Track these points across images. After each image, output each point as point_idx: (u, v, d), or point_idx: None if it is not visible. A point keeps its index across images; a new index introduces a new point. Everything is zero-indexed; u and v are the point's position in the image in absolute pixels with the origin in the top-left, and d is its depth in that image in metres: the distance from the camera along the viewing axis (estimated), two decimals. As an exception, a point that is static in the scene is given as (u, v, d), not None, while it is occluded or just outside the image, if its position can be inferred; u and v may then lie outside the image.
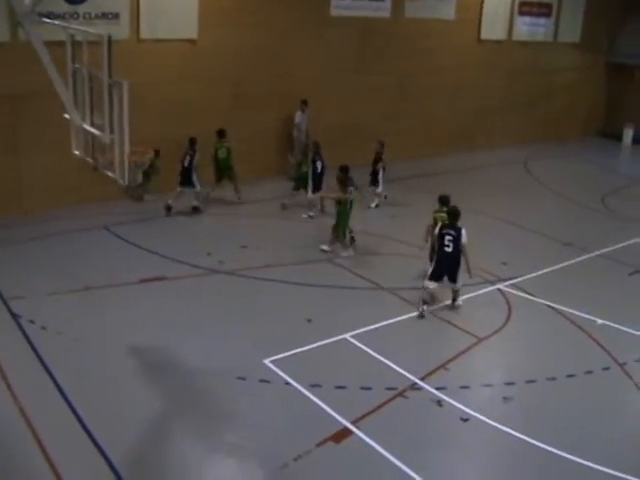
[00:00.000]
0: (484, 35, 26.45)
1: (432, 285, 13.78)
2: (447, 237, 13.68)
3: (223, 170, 18.92)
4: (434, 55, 24.65)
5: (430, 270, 13.87)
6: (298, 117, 21.65)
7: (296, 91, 21.36)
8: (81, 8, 17.31)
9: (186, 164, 18.06)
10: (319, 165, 18.39)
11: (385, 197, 19.86)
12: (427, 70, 24.58)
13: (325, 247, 16.22)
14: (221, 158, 18.78)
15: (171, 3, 18.70)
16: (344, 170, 16.16)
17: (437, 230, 13.86)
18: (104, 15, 17.68)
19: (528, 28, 28.23)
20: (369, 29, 22.85)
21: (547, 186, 21.45)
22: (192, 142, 18.11)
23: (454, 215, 13.87)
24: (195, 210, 18.40)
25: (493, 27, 26.67)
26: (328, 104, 22.14)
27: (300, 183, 18.86)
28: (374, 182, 19.84)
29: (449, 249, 13.66)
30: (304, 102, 21.47)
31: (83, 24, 16.06)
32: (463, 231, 13.68)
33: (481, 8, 26.10)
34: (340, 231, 16.07)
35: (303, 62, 21.41)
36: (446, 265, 13.70)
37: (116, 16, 17.90)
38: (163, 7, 18.55)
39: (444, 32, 24.85)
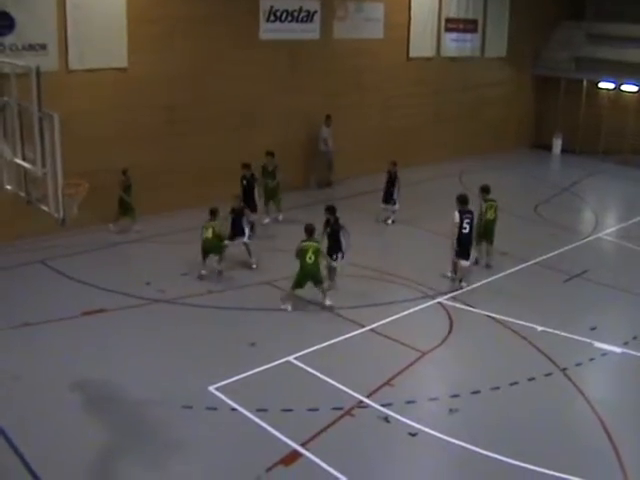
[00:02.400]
0: (413, 53, 26.81)
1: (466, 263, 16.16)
2: (466, 220, 16.06)
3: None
4: (364, 74, 24.91)
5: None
6: (324, 132, 23.37)
7: (229, 114, 21.39)
8: (7, 40, 17.11)
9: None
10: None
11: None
12: (357, 89, 24.81)
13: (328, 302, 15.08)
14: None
15: (99, 32, 18.51)
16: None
17: (457, 217, 16.03)
18: (31, 47, 17.46)
19: (455, 44, 28.72)
20: (299, 51, 22.99)
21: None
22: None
23: (465, 200, 16.30)
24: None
25: (421, 45, 27.06)
26: (260, 126, 22.18)
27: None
28: (389, 200, 20.21)
29: (466, 230, 16.10)
30: (328, 117, 23.28)
31: (10, 56, 15.82)
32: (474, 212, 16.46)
33: (409, 26, 26.47)
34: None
35: (235, 85, 21.40)
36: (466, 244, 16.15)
37: (44, 47, 17.70)
38: (91, 37, 18.37)
39: (373, 51, 25.13)
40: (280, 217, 20.01)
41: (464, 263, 16.27)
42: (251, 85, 21.86)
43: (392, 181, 20.34)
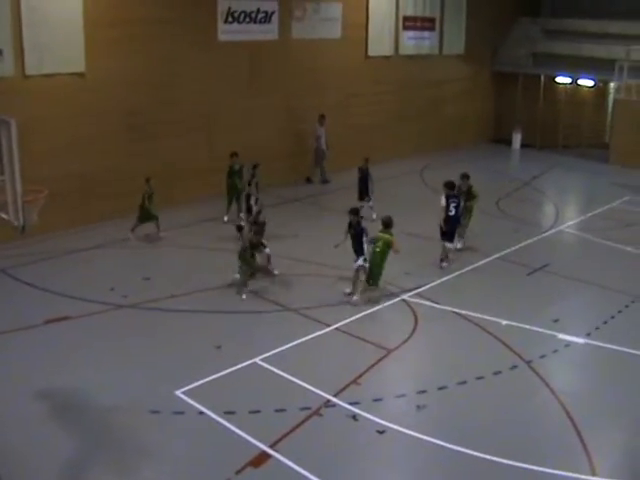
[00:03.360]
0: (371, 52, 26.91)
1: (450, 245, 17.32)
2: (452, 204, 17.15)
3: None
4: (322, 74, 24.95)
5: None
6: (319, 130, 24.35)
7: (190, 116, 21.33)
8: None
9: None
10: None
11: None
12: (317, 89, 24.84)
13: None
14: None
15: (55, 36, 18.27)
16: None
17: (444, 201, 17.08)
18: (-16, 53, 17.26)
19: (414, 42, 28.88)
20: (258, 52, 22.96)
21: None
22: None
23: (452, 185, 17.46)
24: None
25: (379, 43, 27.16)
26: (222, 128, 22.15)
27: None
28: (364, 197, 20.50)
29: (452, 213, 17.14)
30: (322, 116, 24.24)
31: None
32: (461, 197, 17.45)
33: (367, 26, 26.55)
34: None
35: (195, 87, 21.34)
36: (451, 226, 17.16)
37: (-1, 52, 17.49)
38: (47, 41, 18.10)
39: (332, 51, 25.19)
40: (242, 216, 19.85)
41: (448, 245, 17.22)
42: (211, 87, 21.79)
43: (365, 177, 20.49)
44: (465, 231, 18.65)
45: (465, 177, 18.60)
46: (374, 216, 19.66)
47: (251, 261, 15.84)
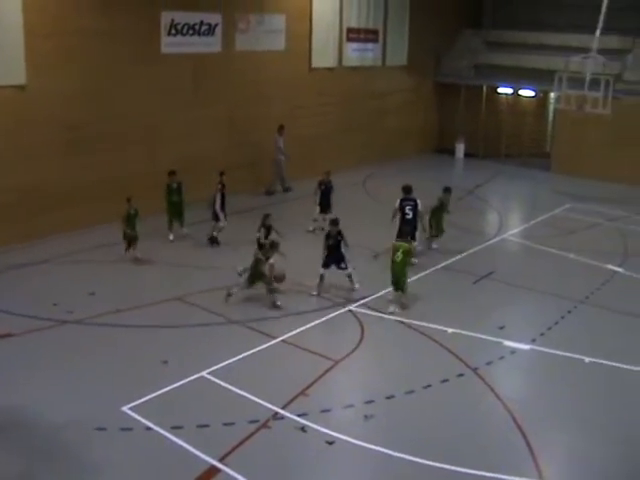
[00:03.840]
0: (315, 63, 27.00)
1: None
2: (407, 207, 17.76)
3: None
4: (266, 86, 24.94)
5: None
6: (279, 141, 24.63)
7: (133, 129, 21.11)
8: None
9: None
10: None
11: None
12: (261, 101, 24.83)
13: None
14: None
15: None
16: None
17: (398, 203, 17.82)
18: None
19: (357, 54, 29.06)
20: (201, 64, 22.86)
21: (385, 204, 22.10)
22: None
23: (409, 189, 18.13)
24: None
25: (323, 55, 27.27)
26: (166, 140, 22.00)
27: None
28: (327, 210, 20.48)
29: (409, 216, 17.70)
30: (281, 127, 24.59)
31: None
32: (418, 201, 17.92)
33: (310, 38, 26.65)
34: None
35: (138, 100, 21.12)
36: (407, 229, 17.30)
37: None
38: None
39: (275, 63, 25.20)
40: (185, 231, 19.77)
41: (414, 243, 17.75)
42: (154, 99, 21.61)
43: (328, 191, 20.63)
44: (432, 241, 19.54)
45: (447, 190, 19.89)
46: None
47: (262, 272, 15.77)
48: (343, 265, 16.40)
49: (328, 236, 16.54)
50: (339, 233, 16.46)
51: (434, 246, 19.52)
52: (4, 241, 18.11)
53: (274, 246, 15.79)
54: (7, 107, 18.45)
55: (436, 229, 19.54)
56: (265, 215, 17.58)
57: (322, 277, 16.33)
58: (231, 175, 19.99)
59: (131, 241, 17.99)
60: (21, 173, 18.63)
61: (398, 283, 15.72)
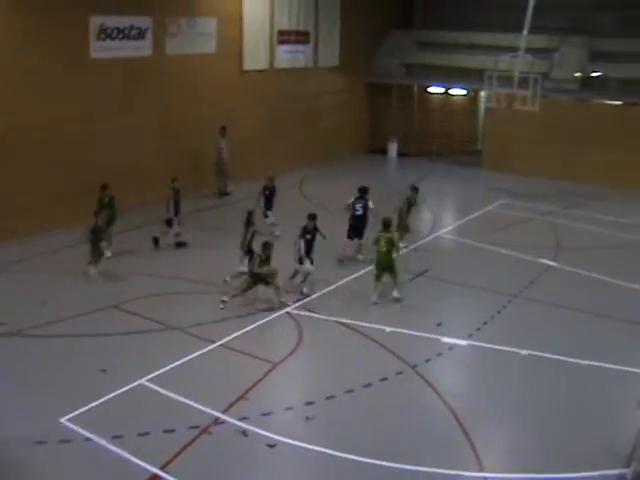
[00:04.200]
0: (247, 66, 26.90)
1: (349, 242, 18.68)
2: (358, 205, 18.68)
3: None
4: (198, 89, 24.77)
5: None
6: (222, 142, 24.81)
7: (61, 136, 20.62)
8: None
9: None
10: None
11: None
12: (194, 104, 24.68)
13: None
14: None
15: None
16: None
17: (350, 201, 18.75)
18: None
19: (289, 56, 29.04)
20: (132, 69, 22.59)
21: (321, 205, 22.19)
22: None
23: (364, 190, 19.07)
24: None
25: (254, 57, 27.19)
26: (96, 145, 21.63)
27: None
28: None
29: (359, 212, 18.64)
30: (223, 128, 24.70)
31: None
32: (370, 202, 18.86)
33: (241, 40, 26.58)
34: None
35: (67, 106, 20.70)
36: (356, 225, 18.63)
37: None
38: None
39: (207, 66, 25.05)
40: (109, 254, 18.45)
41: (360, 241, 18.71)
42: (84, 104, 21.25)
43: (271, 195, 20.58)
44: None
45: (414, 189, 20.30)
46: (277, 233, 19.61)
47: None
48: (303, 261, 16.74)
49: (306, 231, 16.78)
50: (315, 227, 16.93)
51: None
52: None
53: (268, 246, 15.79)
54: None
55: (404, 228, 19.80)
56: (249, 212, 17.70)
57: (296, 272, 16.87)
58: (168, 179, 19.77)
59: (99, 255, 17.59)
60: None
61: (392, 270, 16.50)
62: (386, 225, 16.75)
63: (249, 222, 17.40)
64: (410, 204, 20.08)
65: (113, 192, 18.97)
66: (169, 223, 19.18)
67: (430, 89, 33.08)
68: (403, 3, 35.05)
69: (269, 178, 20.76)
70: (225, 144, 25.01)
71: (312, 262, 16.79)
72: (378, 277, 16.47)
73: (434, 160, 31.94)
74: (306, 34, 29.75)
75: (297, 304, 15.91)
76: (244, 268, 16.75)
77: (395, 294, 16.47)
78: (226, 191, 25.25)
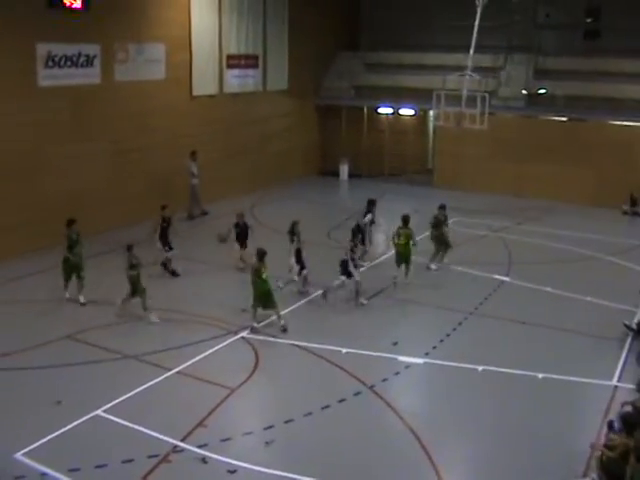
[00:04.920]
0: (196, 91, 26.88)
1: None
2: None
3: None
4: (148, 116, 24.67)
5: None
6: (193, 166, 25.38)
7: (4, 166, 20.31)
8: None
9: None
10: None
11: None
12: (144, 131, 24.58)
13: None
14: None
15: None
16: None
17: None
18: None
19: (238, 80, 29.09)
20: (81, 96, 22.41)
21: (274, 229, 22.16)
22: None
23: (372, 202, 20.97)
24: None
25: (204, 83, 27.19)
26: (44, 175, 21.39)
27: None
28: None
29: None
30: (194, 152, 25.44)
31: None
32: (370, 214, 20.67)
33: (190, 65, 26.57)
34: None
35: (12, 135, 20.40)
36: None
37: None
38: None
39: (156, 92, 24.97)
40: (82, 299, 17.39)
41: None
42: (31, 134, 21.02)
43: (245, 230, 19.97)
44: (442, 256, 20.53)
45: (442, 207, 20.86)
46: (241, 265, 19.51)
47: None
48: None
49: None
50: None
51: (433, 267, 20.40)
52: None
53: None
54: None
55: (444, 245, 20.54)
56: (294, 222, 18.54)
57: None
58: (125, 205, 19.57)
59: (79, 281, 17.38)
60: None
61: (409, 260, 18.62)
62: (405, 221, 18.75)
63: (293, 233, 18.12)
64: (439, 222, 20.54)
65: (55, 222, 18.53)
66: (164, 248, 19.20)
67: (379, 110, 33.32)
68: (350, 25, 35.39)
69: (239, 215, 20.08)
70: (196, 167, 25.44)
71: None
72: (398, 264, 18.67)
73: (386, 180, 32.16)
74: (255, 58, 29.89)
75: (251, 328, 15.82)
76: (296, 277, 17.89)
77: (407, 280, 18.60)
78: (195, 214, 25.65)
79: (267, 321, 16.21)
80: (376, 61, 34.06)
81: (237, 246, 19.81)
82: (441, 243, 20.45)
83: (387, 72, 32.98)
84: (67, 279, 17.38)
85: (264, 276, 15.80)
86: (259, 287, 15.81)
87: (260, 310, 15.98)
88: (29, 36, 20.76)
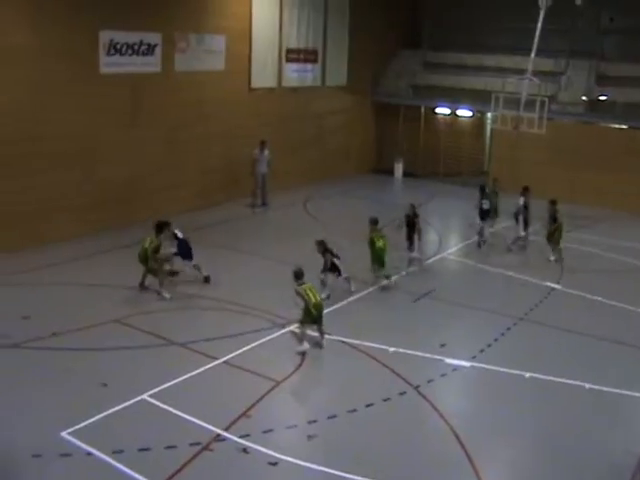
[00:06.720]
0: (254, 84, 27.01)
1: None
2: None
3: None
4: (206, 106, 24.85)
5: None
6: (260, 155, 25.57)
7: (67, 150, 20.67)
8: None
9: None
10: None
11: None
12: (200, 121, 24.75)
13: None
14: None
15: None
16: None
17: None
18: None
19: (297, 74, 29.16)
20: (140, 84, 22.67)
21: (326, 224, 22.18)
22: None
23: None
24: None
25: (263, 75, 27.31)
26: (102, 160, 21.70)
27: None
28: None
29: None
30: (262, 142, 25.47)
31: None
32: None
33: (250, 58, 26.69)
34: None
35: (74, 120, 20.75)
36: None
37: None
38: None
39: (215, 83, 25.15)
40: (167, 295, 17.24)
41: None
42: (92, 120, 21.32)
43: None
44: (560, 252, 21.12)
45: (552, 203, 21.37)
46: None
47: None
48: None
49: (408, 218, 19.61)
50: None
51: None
52: None
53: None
54: None
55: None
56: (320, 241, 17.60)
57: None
58: (178, 193, 19.67)
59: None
60: None
61: (384, 262, 18.13)
62: (375, 223, 18.52)
63: (325, 250, 17.39)
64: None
65: (116, 208, 18.77)
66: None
67: (437, 110, 33.14)
68: (412, 24, 35.18)
69: (411, 206, 20.15)
70: (264, 157, 25.63)
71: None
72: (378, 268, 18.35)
73: (440, 181, 31.95)
74: (314, 53, 29.88)
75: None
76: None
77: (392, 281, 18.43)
78: (260, 203, 25.85)
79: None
80: (436, 60, 33.84)
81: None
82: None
83: (446, 72, 32.74)
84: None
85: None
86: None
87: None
88: (92, 23, 21.05)
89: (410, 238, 19.81)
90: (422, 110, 33.21)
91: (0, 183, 19.27)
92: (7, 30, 19.09)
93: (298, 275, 14.96)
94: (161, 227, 17.30)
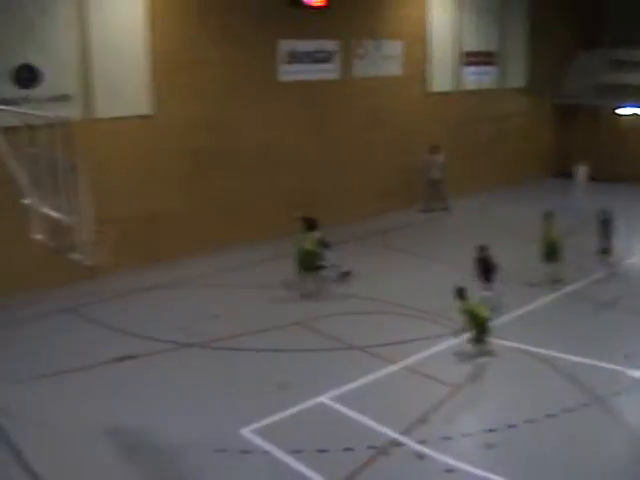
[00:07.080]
0: (432, 88, 26.94)
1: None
2: None
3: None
4: (383, 111, 25.05)
5: None
6: (434, 161, 25.72)
7: (253, 157, 21.59)
8: (33, 92, 17.34)
9: None
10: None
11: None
12: (376, 126, 24.93)
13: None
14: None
15: (124, 81, 18.85)
16: None
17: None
18: (54, 98, 17.64)
19: (475, 77, 28.83)
20: (319, 91, 23.15)
21: (507, 229, 21.73)
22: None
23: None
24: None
25: (440, 79, 27.21)
26: (282, 166, 22.36)
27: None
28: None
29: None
30: (434, 147, 25.74)
31: (34, 108, 15.95)
32: None
33: (426, 62, 26.63)
34: None
35: (257, 129, 21.55)
36: None
37: (66, 98, 17.89)
38: (117, 85, 18.71)
39: (392, 88, 25.31)
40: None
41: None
42: (273, 127, 22.01)
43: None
44: None
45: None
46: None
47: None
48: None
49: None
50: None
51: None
52: (133, 264, 18.68)
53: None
54: (135, 136, 19.16)
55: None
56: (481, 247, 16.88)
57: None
58: (354, 198, 19.89)
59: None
60: (149, 198, 19.40)
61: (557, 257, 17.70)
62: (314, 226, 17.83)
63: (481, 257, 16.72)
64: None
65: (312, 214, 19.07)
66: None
67: (619, 110, 31.73)
68: (594, 21, 33.90)
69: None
70: (436, 162, 25.69)
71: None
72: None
73: (628, 184, 30.30)
74: (492, 55, 29.42)
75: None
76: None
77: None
78: (436, 208, 25.86)
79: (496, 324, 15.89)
80: (619, 58, 32.31)
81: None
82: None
83: (631, 70, 31.18)
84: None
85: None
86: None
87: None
88: (272, 33, 21.73)
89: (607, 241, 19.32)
90: (606, 111, 31.91)
91: (193, 188, 20.56)
92: (203, 45, 20.37)
93: (461, 294, 14.49)
94: (314, 223, 17.88)
